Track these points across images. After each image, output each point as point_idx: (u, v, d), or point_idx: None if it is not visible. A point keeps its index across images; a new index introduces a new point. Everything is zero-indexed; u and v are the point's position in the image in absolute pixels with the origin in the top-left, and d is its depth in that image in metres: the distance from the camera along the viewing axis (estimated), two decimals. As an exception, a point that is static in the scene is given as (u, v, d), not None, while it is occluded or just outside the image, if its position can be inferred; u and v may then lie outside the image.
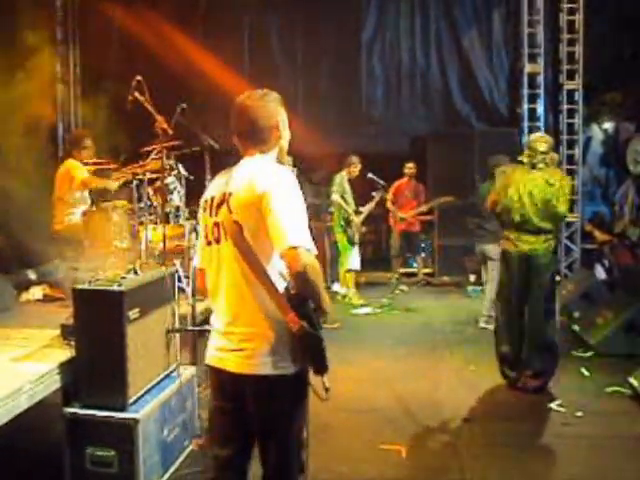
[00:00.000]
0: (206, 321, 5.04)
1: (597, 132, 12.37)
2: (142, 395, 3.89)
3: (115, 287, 3.71)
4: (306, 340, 2.48)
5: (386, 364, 6.49)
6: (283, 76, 11.11)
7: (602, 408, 5.22)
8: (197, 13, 11.05)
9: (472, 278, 10.13)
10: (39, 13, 8.78)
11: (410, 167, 10.25)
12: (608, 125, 12.30)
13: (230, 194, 2.60)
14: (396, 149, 11.04)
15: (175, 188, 6.24)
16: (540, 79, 10.99)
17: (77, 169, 6.37)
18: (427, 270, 10.98)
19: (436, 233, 10.90)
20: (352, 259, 9.13)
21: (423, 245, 11.00)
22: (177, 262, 5.85)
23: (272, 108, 2.78)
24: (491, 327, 7.22)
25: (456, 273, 10.53)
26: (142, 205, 6.06)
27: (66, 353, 3.96)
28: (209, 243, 2.72)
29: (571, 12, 10.67)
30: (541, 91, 11.02)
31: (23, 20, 8.15)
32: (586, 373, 6.04)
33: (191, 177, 6.36)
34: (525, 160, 5.64)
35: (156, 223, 6.16)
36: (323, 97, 11.01)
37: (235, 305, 2.63)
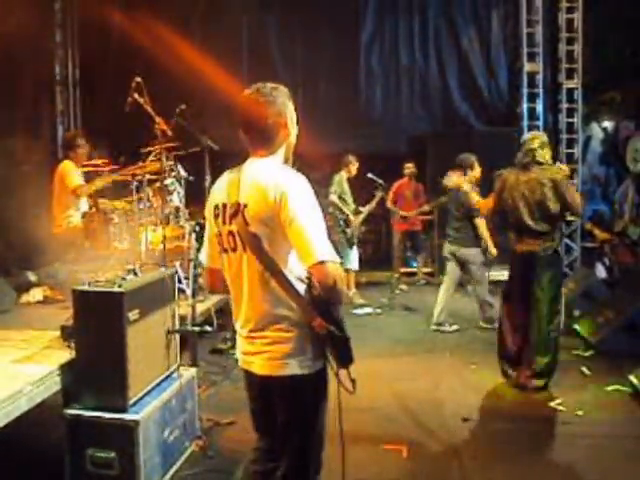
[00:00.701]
0: (206, 322, 5.06)
1: (597, 131, 12.40)
2: (142, 396, 3.89)
3: (115, 288, 3.71)
4: (334, 342, 2.59)
5: (386, 364, 6.49)
6: (282, 77, 11.09)
7: (603, 407, 5.21)
8: (195, 15, 11.07)
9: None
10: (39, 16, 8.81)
11: (410, 167, 10.25)
12: (608, 124, 12.33)
13: (245, 205, 2.58)
14: (395, 149, 11.06)
15: (175, 189, 6.25)
16: (539, 78, 11.00)
17: (69, 175, 6.38)
18: (427, 270, 10.97)
19: (436, 233, 10.89)
20: (350, 259, 9.15)
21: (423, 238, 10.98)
22: (177, 263, 5.86)
23: (281, 104, 2.73)
24: (490, 326, 7.25)
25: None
26: (142, 206, 6.07)
27: (66, 355, 3.97)
28: (225, 250, 2.72)
29: (570, 11, 10.68)
30: (540, 90, 11.02)
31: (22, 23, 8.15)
32: (586, 372, 6.04)
33: (191, 178, 6.36)
34: (516, 161, 5.58)
35: (156, 224, 6.17)
36: (322, 97, 11.01)
37: (257, 312, 2.66)
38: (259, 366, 2.69)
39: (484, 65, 11.34)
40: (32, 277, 6.82)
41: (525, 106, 11.03)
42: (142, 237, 5.88)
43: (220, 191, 2.75)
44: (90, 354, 3.75)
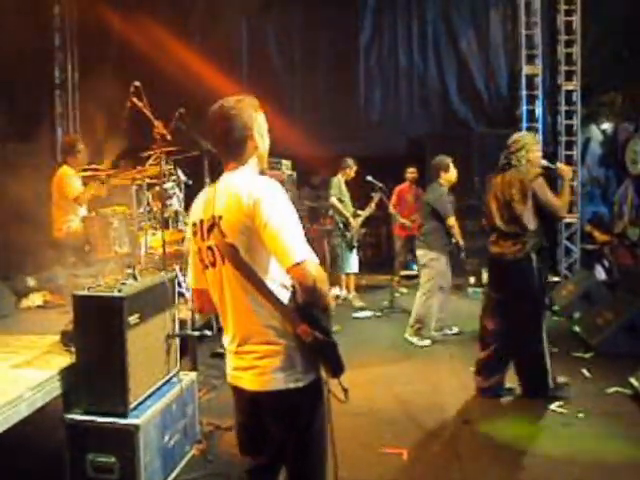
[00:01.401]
0: (206, 326, 5.06)
1: (596, 133, 12.39)
2: (143, 401, 3.90)
3: (115, 293, 3.71)
4: (320, 349, 2.53)
5: (386, 366, 6.49)
6: (281, 80, 11.14)
7: (603, 409, 5.21)
8: (194, 18, 11.10)
9: (472, 280, 10.14)
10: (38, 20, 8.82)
11: (412, 172, 10.26)
12: (607, 126, 12.31)
13: (220, 217, 2.56)
14: (394, 151, 11.07)
15: (174, 193, 6.25)
16: (538, 80, 11.02)
17: (69, 184, 6.40)
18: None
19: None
20: (350, 262, 9.16)
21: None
22: (177, 267, 5.87)
23: (247, 117, 2.69)
24: (416, 340, 7.23)
25: (455, 275, 10.51)
26: (141, 210, 6.07)
27: (66, 359, 3.98)
28: (206, 267, 2.68)
29: (568, 13, 10.70)
30: (539, 92, 11.04)
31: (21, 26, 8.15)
32: (587, 374, 6.04)
33: (190, 182, 6.37)
34: (499, 164, 5.46)
35: (155, 228, 6.17)
36: (321, 100, 11.03)
37: (244, 326, 2.62)
38: (249, 381, 2.64)
39: (483, 67, 11.35)
40: (32, 282, 6.83)
41: (524, 108, 11.05)
42: (142, 241, 5.89)
43: (197, 208, 2.75)
44: (90, 359, 3.75)
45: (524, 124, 11.04)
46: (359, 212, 9.19)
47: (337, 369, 2.60)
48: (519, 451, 4.54)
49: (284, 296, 2.54)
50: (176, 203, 6.25)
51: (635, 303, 6.73)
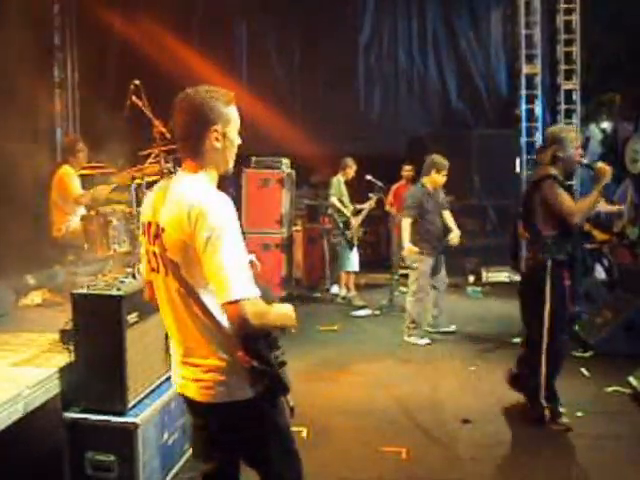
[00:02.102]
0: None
1: (595, 132, 12.39)
2: (141, 399, 3.90)
3: (114, 291, 3.71)
4: (259, 374, 2.39)
5: (385, 366, 6.49)
6: (281, 79, 11.15)
7: (602, 408, 5.22)
8: (194, 18, 11.09)
9: (471, 279, 10.14)
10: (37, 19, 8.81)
11: (408, 170, 10.23)
12: (606, 125, 12.32)
13: (163, 230, 2.39)
14: (394, 151, 11.07)
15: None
16: (538, 80, 11.05)
17: (70, 182, 6.42)
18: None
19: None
20: (351, 261, 9.16)
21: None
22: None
23: (208, 109, 2.42)
24: (414, 339, 7.19)
25: (455, 274, 10.53)
26: (141, 209, 6.06)
27: (65, 358, 3.98)
28: (152, 269, 2.53)
29: (568, 12, 10.72)
30: (539, 92, 11.08)
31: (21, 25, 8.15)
32: (586, 373, 6.04)
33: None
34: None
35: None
36: (321, 99, 11.03)
37: (185, 339, 2.49)
38: (196, 393, 2.50)
39: (483, 67, 11.38)
40: (31, 280, 6.81)
41: (524, 107, 11.08)
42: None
43: (148, 206, 2.56)
44: (89, 357, 3.75)
45: (523, 123, 11.07)
46: (359, 207, 9.19)
47: (278, 391, 2.46)
48: (518, 450, 4.56)
49: (224, 317, 2.36)
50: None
51: (634, 302, 6.72)
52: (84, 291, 3.78)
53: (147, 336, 3.98)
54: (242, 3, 11.03)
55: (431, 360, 6.64)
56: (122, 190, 6.39)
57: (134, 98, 5.38)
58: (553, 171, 4.74)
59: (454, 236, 7.28)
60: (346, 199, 9.14)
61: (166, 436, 4.04)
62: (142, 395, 3.91)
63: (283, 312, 2.51)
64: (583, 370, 6.10)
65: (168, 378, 4.27)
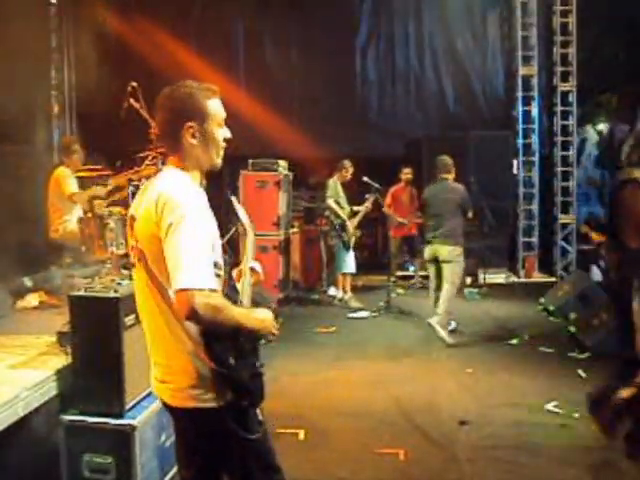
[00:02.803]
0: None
1: (592, 133, 12.43)
2: (139, 401, 3.89)
3: (111, 294, 3.71)
4: (224, 383, 2.31)
5: (382, 367, 6.49)
6: (278, 81, 11.15)
7: (599, 409, 5.22)
8: (191, 19, 11.09)
9: (468, 280, 10.14)
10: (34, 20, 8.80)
11: (407, 172, 10.26)
12: (603, 126, 12.36)
13: (136, 220, 2.38)
14: (391, 153, 11.11)
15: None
16: (534, 81, 11.07)
17: (65, 181, 6.41)
18: (423, 273, 10.96)
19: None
20: (347, 263, 9.16)
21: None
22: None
23: (189, 104, 2.40)
24: (443, 333, 7.21)
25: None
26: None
27: (62, 360, 3.98)
28: (133, 264, 2.49)
29: (564, 14, 10.74)
30: (535, 93, 11.10)
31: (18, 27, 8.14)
32: (583, 374, 6.05)
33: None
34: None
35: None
36: (318, 102, 11.03)
37: (153, 336, 2.44)
38: (165, 395, 2.45)
39: (479, 68, 11.40)
40: (28, 282, 6.80)
41: (520, 109, 11.09)
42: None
43: (135, 201, 2.53)
44: (86, 359, 3.75)
45: (520, 125, 11.09)
46: (355, 208, 9.21)
47: (244, 401, 2.35)
48: (516, 451, 4.55)
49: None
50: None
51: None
52: (81, 293, 3.78)
53: (144, 338, 3.96)
54: (239, 4, 11.03)
55: (428, 362, 6.64)
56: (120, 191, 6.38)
57: (131, 100, 5.39)
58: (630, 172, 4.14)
59: None
60: (343, 201, 9.15)
61: (163, 438, 4.04)
62: (139, 397, 3.90)
63: (253, 316, 2.37)
64: (579, 371, 6.11)
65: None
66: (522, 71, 10.99)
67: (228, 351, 2.28)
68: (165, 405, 2.51)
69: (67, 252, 6.19)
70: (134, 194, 6.07)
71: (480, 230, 9.72)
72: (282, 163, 9.52)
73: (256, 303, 2.61)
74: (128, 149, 6.00)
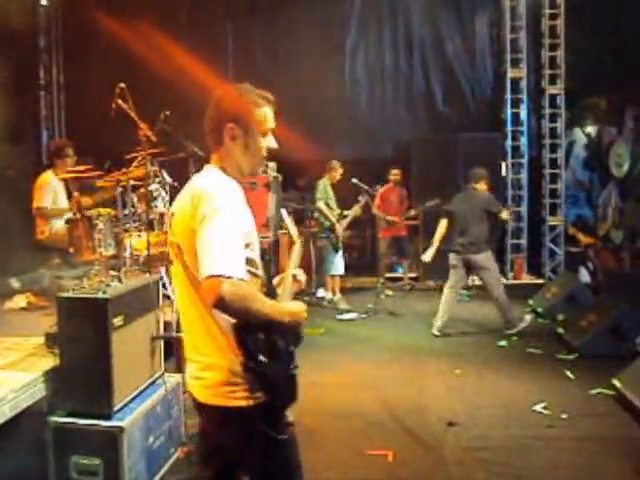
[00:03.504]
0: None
1: (580, 136, 12.49)
2: (127, 403, 3.88)
3: (99, 295, 3.71)
4: (256, 380, 2.28)
5: (371, 369, 6.49)
6: (267, 82, 10.99)
7: (587, 410, 5.24)
8: (181, 20, 11.08)
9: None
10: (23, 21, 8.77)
11: (395, 173, 10.28)
12: (591, 129, 12.42)
13: (173, 214, 2.44)
14: (380, 154, 11.15)
15: (159, 195, 6.23)
16: (523, 84, 11.11)
17: (39, 191, 6.49)
18: (412, 275, 10.99)
19: (421, 237, 10.90)
20: (336, 265, 9.17)
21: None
22: (162, 269, 5.85)
23: (236, 107, 2.46)
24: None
25: (441, 277, 10.55)
26: (126, 212, 6.04)
27: (50, 361, 3.96)
28: (171, 261, 2.49)
29: (553, 17, 10.79)
30: (524, 96, 11.14)
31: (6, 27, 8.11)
32: (570, 375, 6.07)
33: (175, 184, 6.35)
34: None
35: (140, 230, 6.14)
36: (307, 103, 11.00)
37: (190, 332, 2.44)
38: (196, 391, 2.44)
39: (468, 71, 11.43)
40: (16, 284, 6.78)
41: (509, 111, 11.13)
42: (127, 243, 5.86)
43: (177, 200, 2.53)
44: (74, 361, 3.74)
45: (509, 127, 11.13)
46: (345, 212, 9.21)
47: (271, 397, 2.32)
48: (503, 453, 4.56)
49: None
50: (161, 205, 6.22)
51: (618, 305, 6.76)
52: (69, 294, 3.77)
53: (133, 339, 3.97)
54: (229, 5, 11.03)
55: (417, 363, 6.65)
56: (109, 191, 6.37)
57: (120, 101, 5.38)
58: None
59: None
60: (332, 202, 9.14)
61: (152, 440, 4.03)
62: (128, 398, 3.90)
63: (284, 309, 2.36)
64: (567, 372, 6.13)
65: (154, 382, 4.28)
66: (511, 73, 11.03)
67: (260, 347, 2.26)
68: (195, 402, 2.49)
69: (55, 253, 6.17)
70: (122, 195, 6.07)
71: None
72: (271, 164, 9.37)
73: None
74: (117, 150, 6.00)
